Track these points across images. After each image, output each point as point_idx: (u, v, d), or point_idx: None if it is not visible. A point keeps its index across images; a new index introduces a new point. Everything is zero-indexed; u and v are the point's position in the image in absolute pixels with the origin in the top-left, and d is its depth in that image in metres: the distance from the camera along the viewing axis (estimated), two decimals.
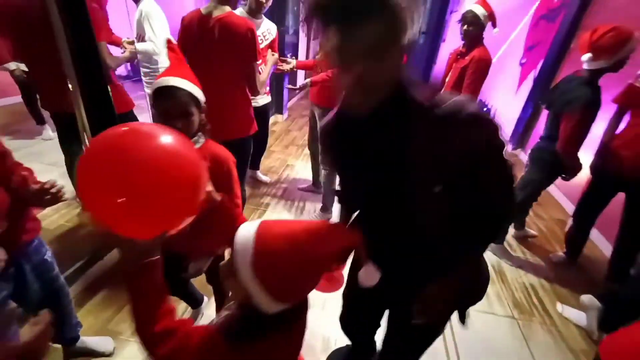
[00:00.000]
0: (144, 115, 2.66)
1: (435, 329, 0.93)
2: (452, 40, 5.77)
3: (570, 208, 2.62)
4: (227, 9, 1.51)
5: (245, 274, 0.53)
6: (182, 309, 1.60)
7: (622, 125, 1.80)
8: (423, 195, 0.67)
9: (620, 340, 0.77)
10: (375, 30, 0.54)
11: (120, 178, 0.54)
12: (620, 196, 1.82)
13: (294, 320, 0.63)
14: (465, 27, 2.04)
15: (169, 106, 0.91)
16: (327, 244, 0.56)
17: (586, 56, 1.59)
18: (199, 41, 1.52)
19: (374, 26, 0.53)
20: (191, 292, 1.47)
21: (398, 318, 0.96)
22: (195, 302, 1.53)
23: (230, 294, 0.68)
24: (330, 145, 0.84)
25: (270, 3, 2.05)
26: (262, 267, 0.53)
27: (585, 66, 1.64)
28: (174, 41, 1.12)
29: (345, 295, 1.14)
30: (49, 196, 0.84)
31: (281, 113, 4.47)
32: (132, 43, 2.05)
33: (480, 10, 1.96)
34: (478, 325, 1.69)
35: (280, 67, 2.01)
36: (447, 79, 2.34)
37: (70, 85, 1.40)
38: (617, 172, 1.76)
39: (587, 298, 1.75)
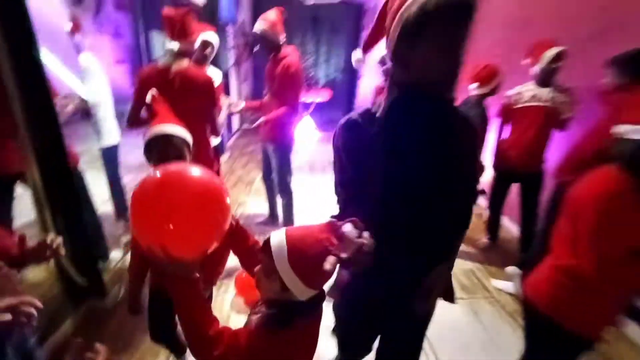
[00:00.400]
0: None
1: (429, 318, 1.05)
2: (367, 77, 6.66)
3: (483, 202, 3.22)
4: (186, 62, 1.65)
5: (284, 268, 0.67)
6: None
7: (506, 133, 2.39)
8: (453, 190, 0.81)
9: (530, 278, 1.09)
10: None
11: (170, 210, 0.66)
12: (516, 186, 2.38)
13: (317, 308, 0.78)
14: (384, 66, 2.50)
15: (167, 151, 1.00)
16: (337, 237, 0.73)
17: (473, 85, 2.15)
18: (160, 92, 1.61)
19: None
20: (178, 337, 1.44)
21: (396, 319, 1.01)
22: (181, 349, 1.49)
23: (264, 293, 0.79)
24: (356, 141, 0.85)
25: (214, 54, 2.24)
26: (296, 260, 0.67)
27: (473, 92, 2.19)
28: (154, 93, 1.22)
29: (348, 308, 1.09)
30: (50, 251, 0.84)
31: (222, 153, 4.52)
32: (67, 98, 2.00)
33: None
34: (437, 311, 1.97)
35: (233, 109, 2.17)
36: None
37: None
38: (510, 168, 2.30)
39: (510, 269, 2.20)
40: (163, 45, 1.65)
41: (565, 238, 1.00)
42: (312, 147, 5.21)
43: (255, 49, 8.29)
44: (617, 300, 0.97)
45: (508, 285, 2.18)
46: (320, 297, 0.76)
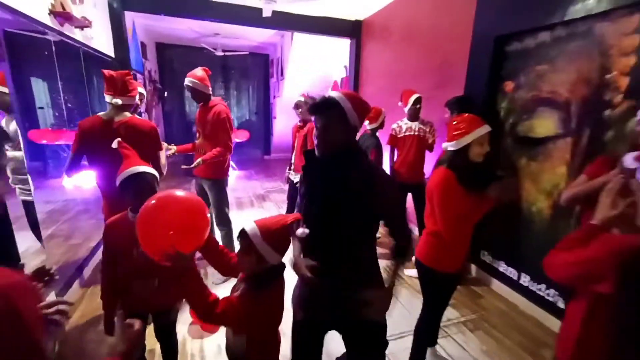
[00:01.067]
0: None
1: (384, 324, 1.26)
2: (280, 117, 7.32)
3: None
4: (127, 114, 1.85)
5: (259, 242, 0.99)
6: None
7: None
8: (351, 218, 1.12)
9: (417, 246, 1.62)
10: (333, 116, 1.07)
11: (168, 221, 0.96)
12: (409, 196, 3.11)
13: (282, 272, 1.10)
14: (299, 110, 3.05)
15: (142, 186, 1.23)
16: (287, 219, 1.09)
17: (367, 122, 2.85)
18: (103, 142, 1.73)
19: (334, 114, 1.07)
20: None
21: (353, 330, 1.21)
22: None
23: (244, 267, 1.08)
24: (305, 173, 1.23)
25: (143, 106, 2.43)
26: (266, 234, 1.00)
27: (368, 127, 2.89)
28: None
29: (299, 326, 1.28)
30: (48, 277, 0.97)
31: None
32: None
33: (306, 100, 3.04)
34: None
35: (167, 153, 2.36)
36: (295, 144, 3.28)
37: None
38: (402, 182, 3.02)
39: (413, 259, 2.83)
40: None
41: (430, 214, 1.57)
42: (233, 184, 5.45)
43: (165, 95, 8.17)
44: (463, 247, 1.57)
45: (414, 272, 2.78)
46: (282, 266, 1.10)
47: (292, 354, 1.32)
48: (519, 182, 2.34)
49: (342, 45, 5.32)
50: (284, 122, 7.29)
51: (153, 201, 1.00)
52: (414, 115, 2.94)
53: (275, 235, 1.03)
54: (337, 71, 5.92)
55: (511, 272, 2.46)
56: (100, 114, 1.83)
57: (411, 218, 3.22)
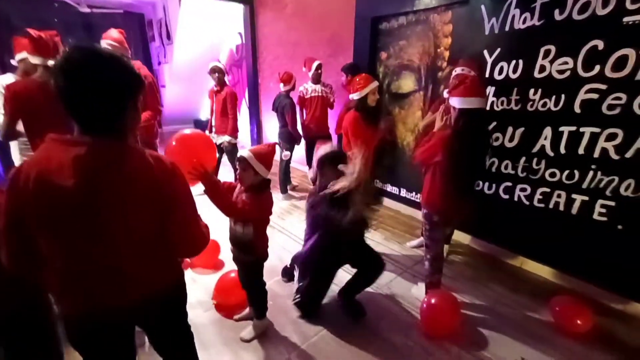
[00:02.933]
0: None
1: None
2: (172, 86, 6.88)
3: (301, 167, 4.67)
4: None
5: (253, 161, 1.49)
6: None
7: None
8: None
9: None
10: None
11: (191, 151, 1.36)
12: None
13: (269, 183, 1.62)
14: (215, 74, 3.29)
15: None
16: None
17: (281, 85, 3.36)
18: (46, 107, 1.73)
19: None
20: None
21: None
22: None
23: (246, 181, 1.55)
24: None
25: None
26: (258, 156, 1.51)
27: (282, 89, 3.40)
28: None
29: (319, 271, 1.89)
30: None
31: None
32: None
33: (221, 65, 3.28)
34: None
35: None
36: (213, 107, 3.52)
37: None
38: (312, 135, 3.70)
39: None
40: None
41: (346, 144, 2.30)
42: None
43: None
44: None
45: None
46: (269, 179, 1.62)
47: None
48: (395, 123, 3.33)
49: (234, 11, 5.42)
50: (177, 91, 6.91)
51: (173, 142, 1.34)
52: (316, 79, 3.59)
53: (263, 155, 1.53)
54: (231, 38, 5.98)
55: (394, 190, 3.54)
56: (34, 76, 1.78)
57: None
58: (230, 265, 2.14)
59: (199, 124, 7.37)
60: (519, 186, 2.39)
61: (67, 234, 0.77)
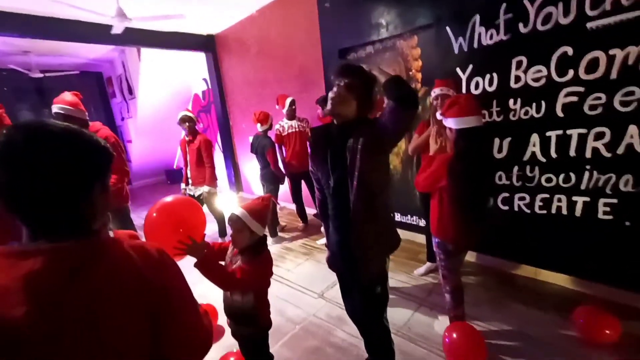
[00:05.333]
0: None
1: None
2: (138, 140, 6.62)
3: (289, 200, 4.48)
4: None
5: (248, 219, 1.31)
6: None
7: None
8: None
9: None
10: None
11: (176, 222, 1.17)
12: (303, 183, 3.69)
13: (266, 241, 1.43)
14: (186, 124, 3.13)
15: None
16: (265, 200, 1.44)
17: (259, 125, 3.24)
18: None
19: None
20: None
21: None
22: None
23: (240, 244, 1.35)
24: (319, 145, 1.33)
25: None
26: (253, 213, 1.33)
27: (259, 129, 3.28)
28: None
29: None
30: None
31: None
32: None
33: (191, 115, 3.14)
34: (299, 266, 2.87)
35: None
36: (187, 158, 3.32)
37: None
38: (295, 171, 3.57)
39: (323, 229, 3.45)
40: None
41: None
42: None
43: None
44: None
45: (325, 239, 3.41)
46: (265, 236, 1.43)
47: None
48: None
49: (196, 58, 5.39)
50: (145, 144, 6.64)
51: (154, 214, 1.15)
52: (291, 115, 3.52)
53: (259, 212, 1.36)
54: (196, 84, 5.91)
55: None
56: None
57: (307, 202, 3.83)
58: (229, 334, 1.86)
59: (171, 175, 7.06)
60: (517, 195, 2.34)
61: None
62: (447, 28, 2.42)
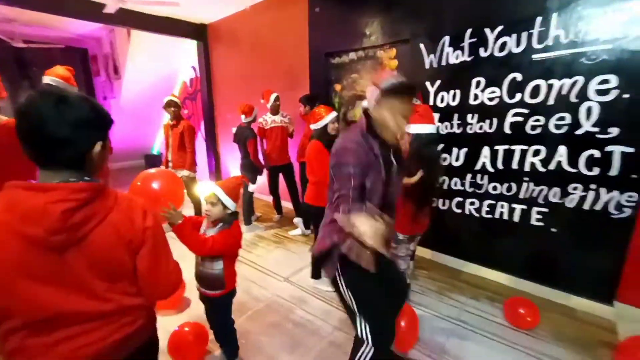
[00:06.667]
0: None
1: None
2: (121, 122, 6.55)
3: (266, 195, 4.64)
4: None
5: (221, 195, 1.49)
6: None
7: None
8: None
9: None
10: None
11: (162, 191, 1.34)
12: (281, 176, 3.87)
13: (237, 215, 1.61)
14: (172, 109, 3.24)
15: None
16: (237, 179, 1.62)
17: (243, 116, 3.40)
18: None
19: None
20: None
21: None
22: None
23: (215, 216, 1.52)
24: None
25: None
26: (226, 189, 1.51)
27: (243, 120, 3.44)
28: None
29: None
30: None
31: None
32: None
33: (177, 100, 3.25)
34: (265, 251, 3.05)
35: None
36: (169, 141, 3.43)
37: None
38: (274, 165, 3.75)
39: (295, 220, 3.64)
40: None
41: (310, 171, 2.37)
42: None
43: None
44: None
45: (298, 230, 3.61)
46: (237, 211, 1.61)
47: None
48: None
49: (186, 45, 5.45)
50: (126, 127, 6.60)
51: (139, 183, 1.31)
52: (275, 110, 3.69)
53: (231, 189, 1.54)
54: (185, 71, 5.96)
55: None
56: None
57: (284, 195, 4.01)
58: (196, 304, 2.02)
59: (150, 159, 7.03)
60: (468, 200, 2.63)
61: (30, 285, 0.71)
62: (421, 45, 2.69)
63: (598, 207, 2.07)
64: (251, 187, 3.60)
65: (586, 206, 2.11)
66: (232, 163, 5.25)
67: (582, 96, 2.01)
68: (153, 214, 0.88)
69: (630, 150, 1.91)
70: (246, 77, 4.67)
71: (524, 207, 2.37)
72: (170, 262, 0.92)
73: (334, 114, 2.39)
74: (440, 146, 2.67)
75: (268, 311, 2.29)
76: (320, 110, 2.38)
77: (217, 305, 1.64)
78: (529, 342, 1.95)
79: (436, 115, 2.66)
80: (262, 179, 3.92)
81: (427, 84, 2.70)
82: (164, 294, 0.92)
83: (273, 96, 3.62)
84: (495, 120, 2.39)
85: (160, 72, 6.05)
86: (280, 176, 3.84)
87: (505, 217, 2.46)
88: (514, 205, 2.41)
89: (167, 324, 1.91)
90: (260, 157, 3.69)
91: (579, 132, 2.06)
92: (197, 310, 2.10)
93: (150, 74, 5.97)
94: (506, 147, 2.37)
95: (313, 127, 2.39)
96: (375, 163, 1.25)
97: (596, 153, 2.02)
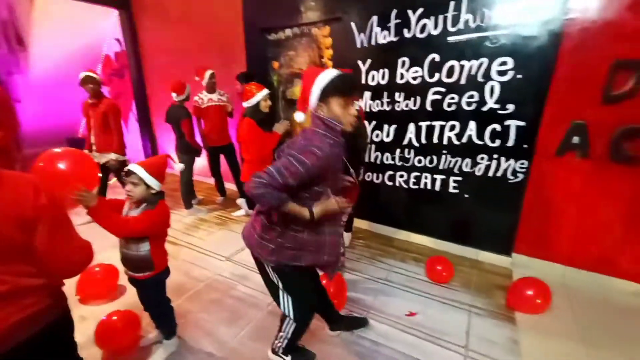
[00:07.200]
0: None
1: None
2: (30, 101, 5.73)
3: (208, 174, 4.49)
4: None
5: (144, 175, 1.45)
6: None
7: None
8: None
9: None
10: None
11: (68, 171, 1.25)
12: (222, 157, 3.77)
13: (163, 195, 1.58)
14: (90, 86, 2.92)
15: None
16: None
17: (174, 94, 3.20)
18: None
19: None
20: None
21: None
22: None
23: (137, 196, 1.47)
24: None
25: None
26: (149, 168, 1.47)
27: (175, 99, 3.25)
28: None
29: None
30: None
31: None
32: None
33: (94, 75, 2.94)
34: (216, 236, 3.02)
35: None
36: (91, 123, 3.13)
37: None
38: (213, 145, 3.63)
39: (239, 200, 3.61)
40: None
41: (244, 150, 2.37)
42: None
43: None
44: (268, 164, 2.50)
45: (241, 211, 3.60)
46: (163, 191, 1.57)
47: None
48: (292, 126, 3.54)
49: (108, 14, 4.87)
50: (39, 106, 5.80)
51: (41, 163, 1.19)
52: (211, 88, 3.53)
53: (155, 168, 1.49)
54: (107, 44, 5.34)
55: None
56: None
57: (227, 175, 3.94)
58: (130, 290, 1.96)
59: (75, 143, 6.31)
60: (398, 173, 2.86)
61: None
62: (352, 24, 2.75)
63: (499, 173, 2.40)
64: (177, 167, 3.45)
65: (490, 173, 2.44)
66: (170, 145, 4.93)
67: (487, 76, 2.27)
68: (52, 193, 0.85)
69: (522, 124, 2.23)
70: (179, 51, 4.35)
71: (444, 177, 2.65)
72: (73, 241, 0.89)
73: (265, 91, 2.38)
74: (373, 123, 2.84)
75: (208, 290, 2.31)
76: (251, 88, 2.35)
77: (148, 287, 1.62)
78: (444, 292, 2.26)
79: (367, 94, 2.80)
80: (202, 161, 3.79)
81: (359, 62, 2.79)
82: (67, 272, 0.90)
83: (208, 73, 3.45)
84: (418, 99, 2.59)
85: (77, 43, 5.34)
86: (222, 157, 3.75)
87: (429, 187, 2.74)
88: (435, 176, 2.68)
89: (99, 314, 1.85)
90: (198, 137, 3.55)
91: (484, 108, 2.33)
92: (133, 297, 2.04)
93: (64, 45, 5.24)
94: (428, 123, 2.60)
95: (245, 104, 2.37)
96: (338, 164, 1.33)
97: (498, 127, 2.32)
